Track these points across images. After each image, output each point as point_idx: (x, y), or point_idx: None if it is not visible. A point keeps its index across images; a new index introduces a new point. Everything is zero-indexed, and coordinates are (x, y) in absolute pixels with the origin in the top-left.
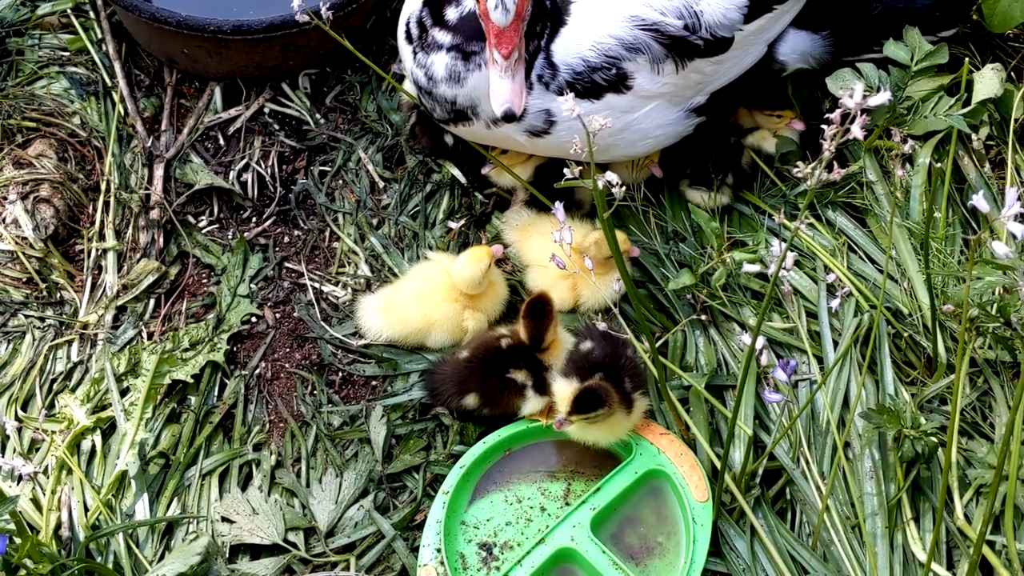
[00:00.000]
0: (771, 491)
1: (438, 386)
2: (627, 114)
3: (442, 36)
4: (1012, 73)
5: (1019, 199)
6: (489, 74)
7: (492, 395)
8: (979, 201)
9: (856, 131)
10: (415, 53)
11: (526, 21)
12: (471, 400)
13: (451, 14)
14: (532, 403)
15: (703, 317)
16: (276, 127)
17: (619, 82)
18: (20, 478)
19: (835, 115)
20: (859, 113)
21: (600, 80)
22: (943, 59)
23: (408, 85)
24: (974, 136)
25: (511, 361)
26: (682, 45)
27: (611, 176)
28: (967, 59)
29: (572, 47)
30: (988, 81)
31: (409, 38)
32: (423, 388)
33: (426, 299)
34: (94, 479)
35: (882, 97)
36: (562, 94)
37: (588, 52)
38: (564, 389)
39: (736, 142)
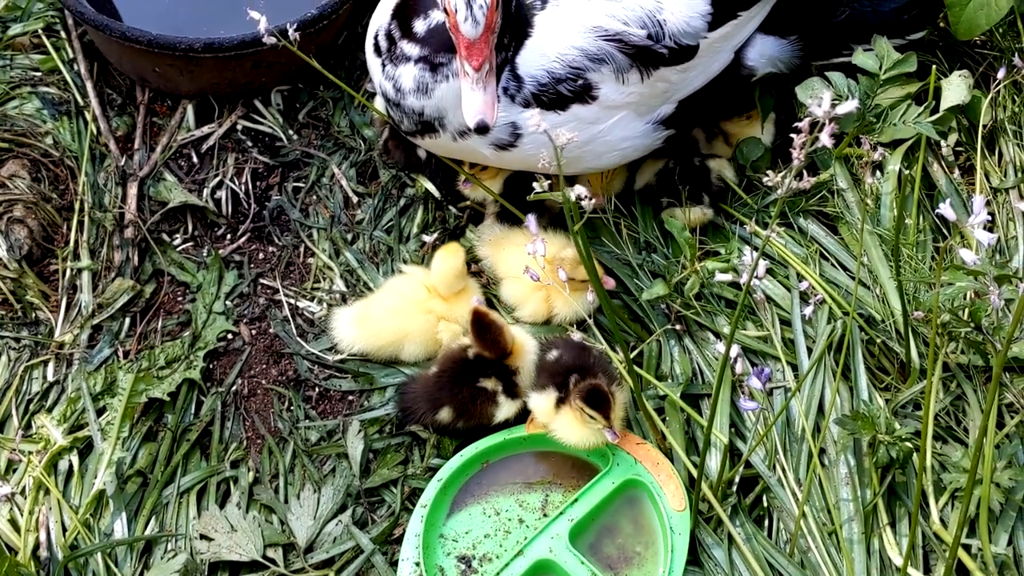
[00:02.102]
0: (748, 499)
1: (411, 404)
2: (593, 125)
3: (410, 48)
4: (979, 79)
5: (987, 205)
6: (461, 86)
7: (465, 406)
8: (946, 210)
9: (825, 139)
10: (383, 66)
11: (496, 33)
12: (445, 414)
13: (419, 26)
14: (505, 408)
15: (677, 327)
16: (249, 144)
17: (584, 93)
18: None
19: (804, 124)
20: (828, 122)
21: (565, 91)
22: (911, 67)
23: (378, 100)
24: (943, 143)
25: (480, 370)
26: (646, 54)
27: (580, 189)
28: (935, 66)
29: (537, 59)
30: (956, 88)
31: (378, 51)
32: (396, 408)
33: (400, 311)
34: (72, 499)
35: (849, 106)
36: (528, 107)
37: (553, 64)
38: (543, 402)
39: (701, 163)
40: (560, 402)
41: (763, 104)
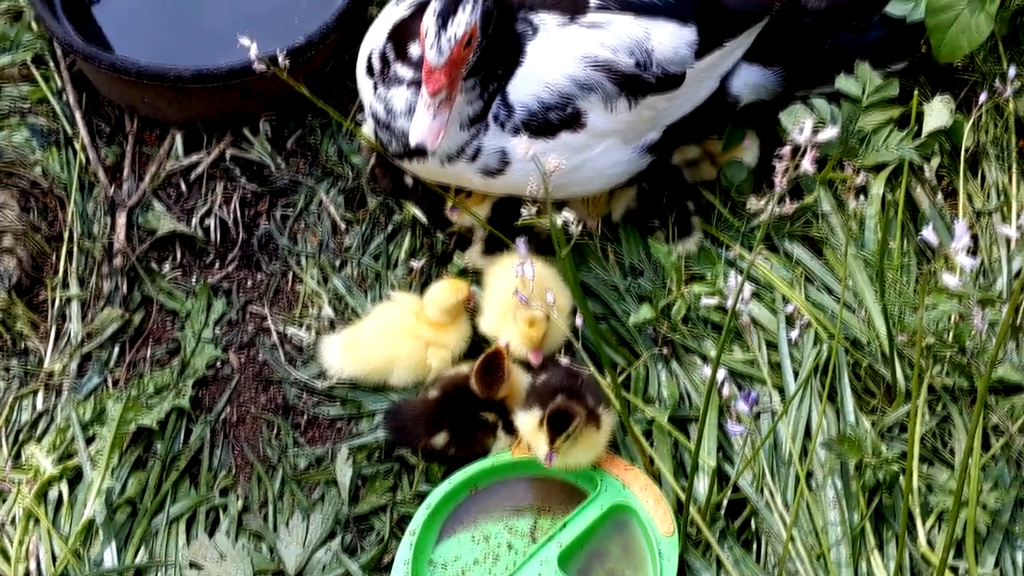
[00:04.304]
0: (736, 522)
1: (405, 425)
2: (581, 152)
3: (404, 71)
4: (961, 103)
5: (969, 229)
6: (417, 102)
7: (464, 436)
8: (929, 234)
9: (807, 166)
10: (375, 87)
11: (464, 69)
12: (441, 439)
13: (414, 50)
14: (502, 442)
15: (664, 350)
16: (237, 172)
17: (573, 120)
18: None
19: (786, 151)
20: (809, 148)
21: (554, 119)
22: (894, 92)
23: (366, 127)
24: (926, 166)
25: (482, 402)
26: (634, 82)
27: (568, 214)
28: (917, 91)
29: (527, 87)
30: (938, 112)
31: (370, 72)
32: (387, 428)
33: (388, 337)
34: (62, 528)
35: (830, 133)
36: (518, 134)
37: (542, 91)
38: (527, 421)
39: (669, 168)
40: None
41: (732, 136)
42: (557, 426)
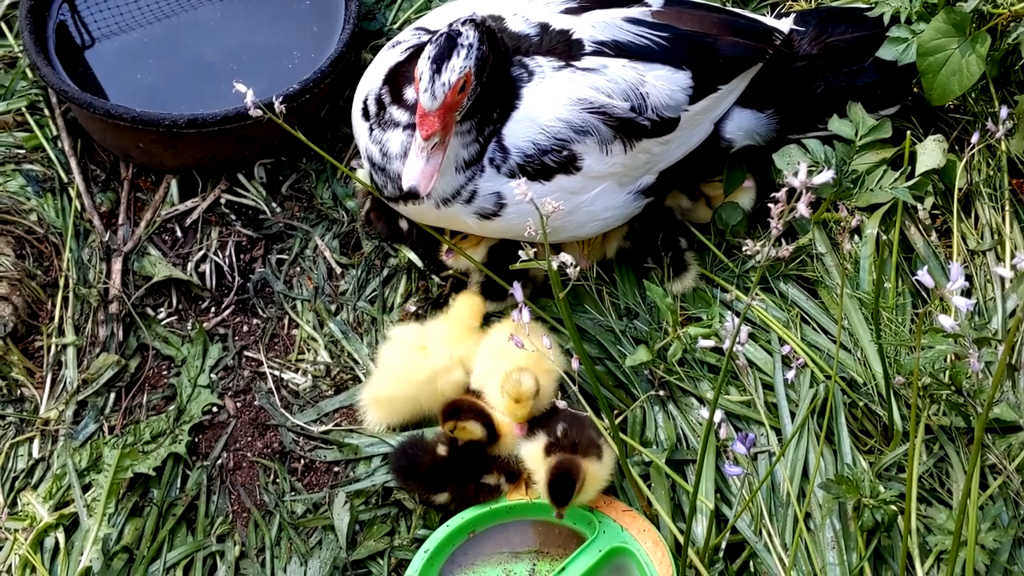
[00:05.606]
0: (735, 565)
1: (410, 475)
2: (577, 195)
3: (399, 114)
4: (953, 143)
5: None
6: (411, 146)
7: (467, 500)
8: (924, 277)
9: (802, 209)
10: (371, 130)
11: (458, 113)
12: (442, 498)
13: (410, 94)
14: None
15: (661, 392)
16: (233, 217)
17: (569, 163)
18: None
19: (781, 194)
20: (804, 192)
21: (550, 162)
22: (887, 133)
23: (360, 171)
24: (919, 206)
25: (484, 465)
26: (629, 126)
27: (566, 257)
28: (909, 132)
29: (523, 130)
30: (931, 152)
31: (366, 115)
32: (392, 468)
33: (411, 375)
34: None
35: (825, 176)
36: (513, 177)
37: (538, 135)
38: (532, 449)
39: (662, 208)
40: (550, 448)
41: (733, 178)
42: (560, 492)
